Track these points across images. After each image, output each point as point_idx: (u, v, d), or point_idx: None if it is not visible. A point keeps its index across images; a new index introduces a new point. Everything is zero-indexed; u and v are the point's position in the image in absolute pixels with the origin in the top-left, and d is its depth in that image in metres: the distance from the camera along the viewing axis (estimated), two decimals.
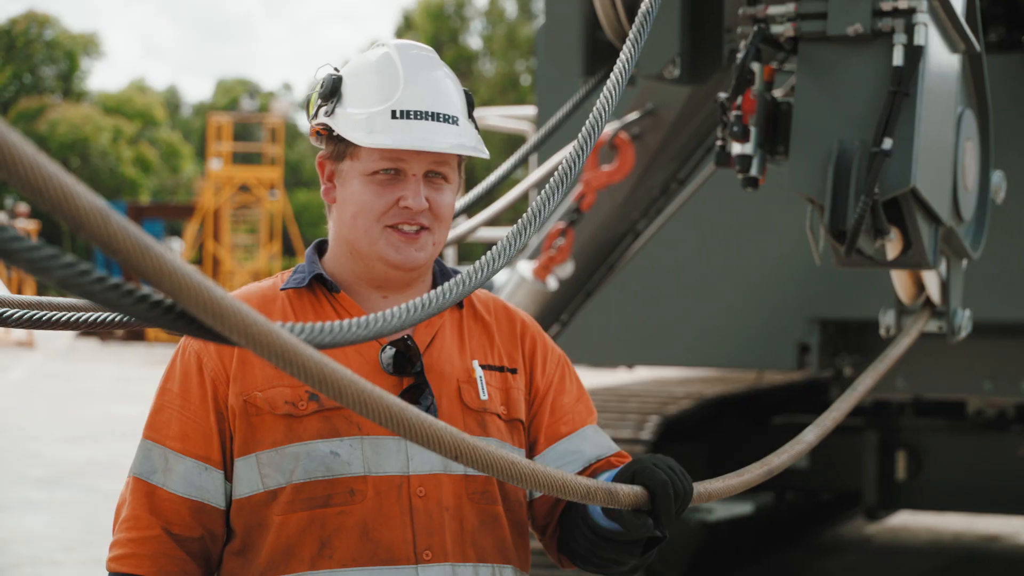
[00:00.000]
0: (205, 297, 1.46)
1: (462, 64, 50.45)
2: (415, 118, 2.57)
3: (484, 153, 2.66)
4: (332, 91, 2.64)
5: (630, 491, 2.44)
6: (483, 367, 2.71)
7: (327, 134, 2.66)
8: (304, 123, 2.77)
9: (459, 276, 2.31)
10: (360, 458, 2.59)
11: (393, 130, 2.57)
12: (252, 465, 2.61)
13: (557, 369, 2.82)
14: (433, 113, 2.58)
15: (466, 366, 2.70)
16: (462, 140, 2.61)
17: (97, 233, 1.32)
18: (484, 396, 2.69)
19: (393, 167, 2.59)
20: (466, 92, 2.70)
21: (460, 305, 2.77)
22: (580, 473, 2.73)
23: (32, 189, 1.26)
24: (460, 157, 2.67)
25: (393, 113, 2.57)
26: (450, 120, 2.60)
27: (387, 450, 2.60)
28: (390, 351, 2.62)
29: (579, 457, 2.75)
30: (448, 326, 2.73)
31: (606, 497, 2.38)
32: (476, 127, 2.69)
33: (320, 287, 2.71)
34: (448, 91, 2.63)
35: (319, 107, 2.67)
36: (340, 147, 2.64)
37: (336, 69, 2.70)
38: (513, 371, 2.75)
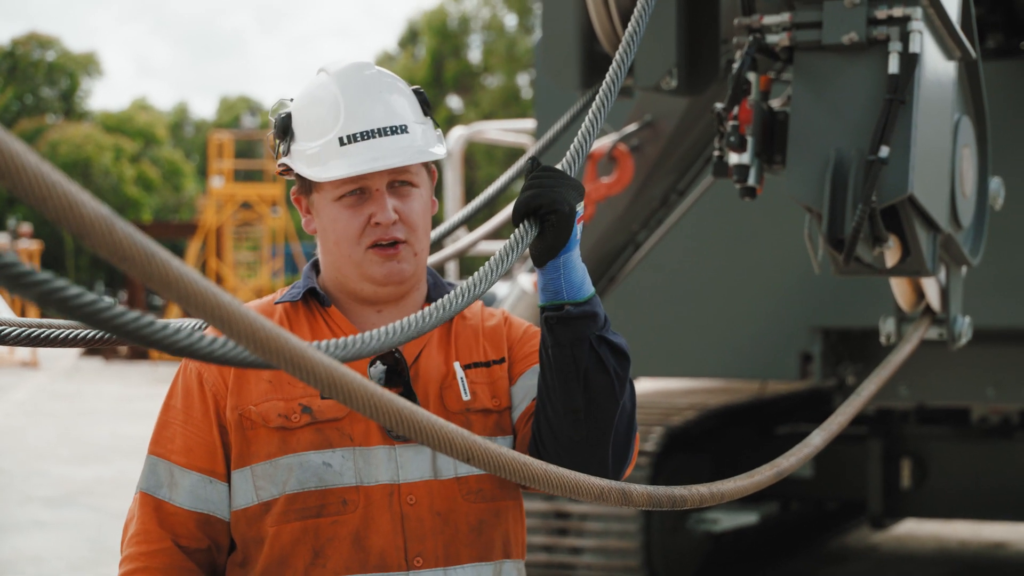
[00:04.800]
0: (212, 303, 1.46)
1: (464, 78, 50.49)
2: (362, 139, 2.62)
3: (437, 154, 2.69)
4: (284, 130, 2.71)
5: (643, 491, 2.45)
6: (467, 366, 2.74)
7: (291, 171, 2.72)
8: None
9: (455, 290, 2.33)
10: (352, 469, 2.62)
11: (343, 157, 2.62)
12: (247, 477, 2.65)
13: (534, 334, 2.82)
14: (379, 129, 2.63)
15: (449, 369, 2.73)
16: (413, 146, 2.64)
17: (102, 241, 1.32)
18: (466, 396, 2.71)
19: (356, 187, 2.64)
20: (417, 92, 2.73)
21: None
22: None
23: (36, 198, 1.26)
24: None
25: (340, 140, 2.62)
26: (398, 130, 2.64)
27: (378, 460, 2.63)
28: (380, 366, 2.65)
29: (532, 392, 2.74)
30: (435, 334, 2.76)
31: (620, 497, 2.39)
32: (436, 124, 2.73)
33: (314, 301, 2.75)
34: (391, 103, 2.67)
35: (278, 146, 2.73)
36: (305, 181, 2.71)
37: (292, 100, 2.75)
38: (500, 361, 2.77)
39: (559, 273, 2.57)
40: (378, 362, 2.65)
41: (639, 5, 2.95)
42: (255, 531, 2.65)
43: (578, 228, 2.58)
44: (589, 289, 2.60)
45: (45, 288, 1.34)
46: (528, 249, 2.56)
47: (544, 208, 2.51)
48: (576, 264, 2.58)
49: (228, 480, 2.67)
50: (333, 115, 2.64)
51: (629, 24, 2.90)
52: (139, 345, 1.60)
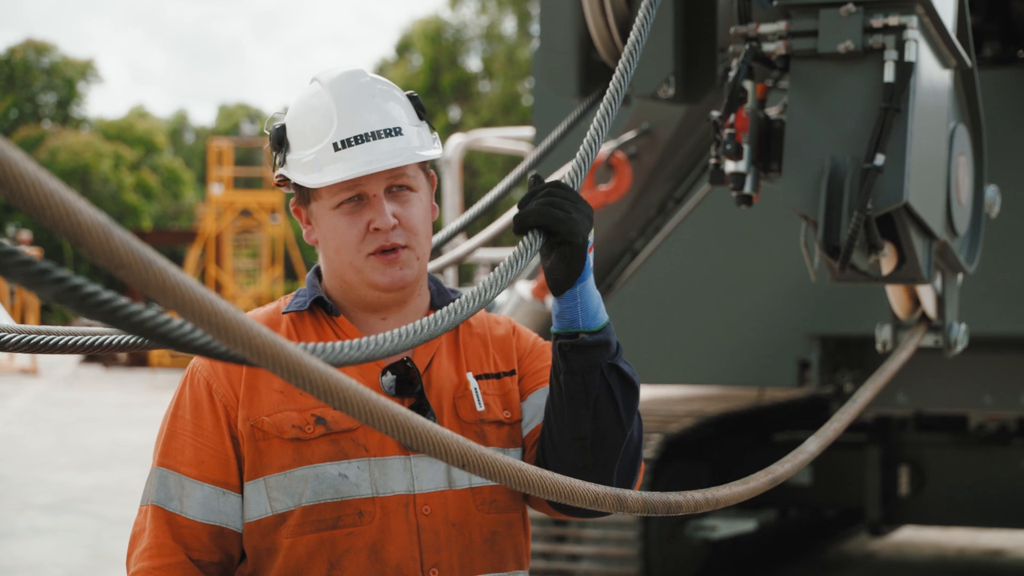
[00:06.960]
0: (209, 310, 1.47)
1: (462, 86, 50.47)
2: (356, 143, 2.61)
3: (434, 153, 2.68)
4: (279, 141, 2.71)
5: (639, 497, 2.45)
6: (479, 377, 2.74)
7: (289, 182, 2.72)
8: None
9: (457, 301, 2.31)
10: (368, 480, 2.61)
11: (338, 162, 2.61)
12: (260, 489, 2.63)
13: (543, 349, 2.84)
14: (372, 133, 2.62)
15: (462, 380, 2.72)
16: (409, 147, 2.64)
17: (100, 249, 1.32)
18: (480, 407, 2.71)
19: (353, 194, 2.63)
20: (411, 97, 2.73)
21: None
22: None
23: (34, 207, 1.26)
24: (421, 162, 2.70)
25: (335, 146, 2.62)
26: (392, 133, 2.63)
27: (393, 470, 2.62)
28: (391, 376, 2.65)
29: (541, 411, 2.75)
30: (444, 343, 2.76)
31: (615, 503, 2.39)
32: (431, 128, 2.73)
33: (320, 311, 2.74)
34: (383, 107, 2.66)
35: (275, 158, 2.73)
36: (303, 192, 2.70)
37: (285, 111, 2.76)
38: (511, 373, 2.78)
39: (576, 302, 2.57)
40: (388, 372, 2.65)
41: (640, 16, 2.96)
42: (268, 543, 2.64)
43: (590, 257, 2.58)
44: (604, 317, 2.61)
45: (68, 287, 1.35)
46: (544, 274, 2.57)
47: (560, 236, 2.49)
48: (591, 292, 2.58)
49: (241, 491, 2.65)
50: (327, 122, 2.63)
51: (629, 38, 2.90)
52: (162, 346, 1.60)
